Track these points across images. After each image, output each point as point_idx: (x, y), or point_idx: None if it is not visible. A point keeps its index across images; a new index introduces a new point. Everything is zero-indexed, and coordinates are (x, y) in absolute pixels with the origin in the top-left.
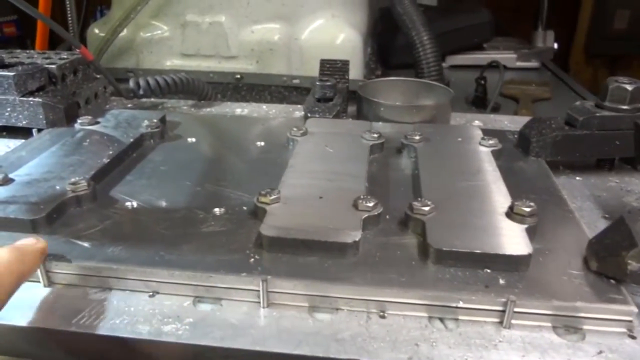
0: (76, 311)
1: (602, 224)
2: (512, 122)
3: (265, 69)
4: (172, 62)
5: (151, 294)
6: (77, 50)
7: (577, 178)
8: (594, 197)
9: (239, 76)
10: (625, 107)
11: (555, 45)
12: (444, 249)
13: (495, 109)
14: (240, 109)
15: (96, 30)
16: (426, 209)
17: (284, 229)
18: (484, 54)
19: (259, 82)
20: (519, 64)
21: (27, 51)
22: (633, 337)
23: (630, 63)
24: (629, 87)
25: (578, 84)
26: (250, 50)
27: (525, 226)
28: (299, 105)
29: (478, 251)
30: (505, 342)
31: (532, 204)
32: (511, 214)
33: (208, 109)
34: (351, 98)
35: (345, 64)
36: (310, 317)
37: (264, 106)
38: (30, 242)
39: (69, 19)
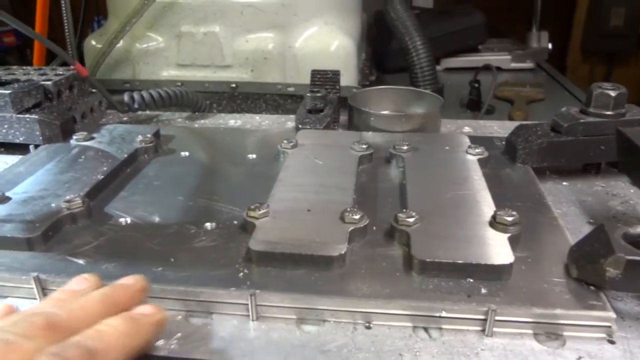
0: None
1: (586, 229)
2: (501, 128)
3: (260, 78)
4: (168, 73)
5: None
6: (72, 66)
7: (564, 183)
8: (580, 202)
9: (234, 85)
10: (609, 112)
11: (550, 46)
12: (428, 260)
13: (490, 112)
14: (234, 121)
15: (93, 42)
16: (411, 220)
17: (272, 243)
18: (479, 56)
19: (254, 90)
20: (514, 65)
21: (24, 67)
22: (612, 342)
23: (627, 60)
24: (612, 93)
25: (572, 84)
26: (245, 60)
27: (508, 235)
28: (291, 116)
29: (460, 261)
30: (487, 350)
31: (514, 213)
32: (494, 223)
33: (202, 121)
34: (344, 105)
35: (335, 74)
36: (298, 329)
37: (257, 117)
38: (147, 310)
39: (66, 33)
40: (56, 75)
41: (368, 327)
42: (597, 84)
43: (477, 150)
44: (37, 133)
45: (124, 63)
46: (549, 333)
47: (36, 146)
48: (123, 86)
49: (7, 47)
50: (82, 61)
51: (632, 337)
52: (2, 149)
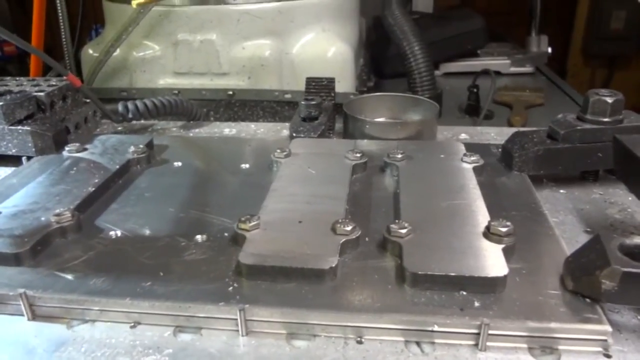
0: (59, 344)
1: (583, 239)
2: (498, 135)
3: (257, 85)
4: (165, 81)
5: (133, 324)
6: (65, 76)
7: (561, 191)
8: (577, 210)
9: (231, 92)
10: (606, 119)
11: (550, 50)
12: (420, 272)
13: (489, 117)
14: (229, 129)
15: (90, 51)
16: (403, 231)
17: (262, 256)
18: (478, 60)
19: (251, 98)
20: (513, 69)
21: (17, 79)
22: (608, 357)
23: (628, 63)
24: (609, 100)
25: (572, 88)
26: (242, 67)
27: (502, 246)
28: (286, 123)
29: (453, 274)
30: None
31: (508, 223)
32: (488, 234)
33: (197, 130)
34: (341, 112)
35: (330, 81)
36: (288, 345)
37: (252, 125)
38: None
39: (64, 42)
40: (49, 86)
41: (359, 342)
42: (593, 91)
43: (472, 158)
44: (30, 145)
45: (121, 71)
46: (544, 347)
47: (29, 158)
48: (120, 94)
49: (7, 56)
50: (79, 70)
51: (628, 350)
52: None
